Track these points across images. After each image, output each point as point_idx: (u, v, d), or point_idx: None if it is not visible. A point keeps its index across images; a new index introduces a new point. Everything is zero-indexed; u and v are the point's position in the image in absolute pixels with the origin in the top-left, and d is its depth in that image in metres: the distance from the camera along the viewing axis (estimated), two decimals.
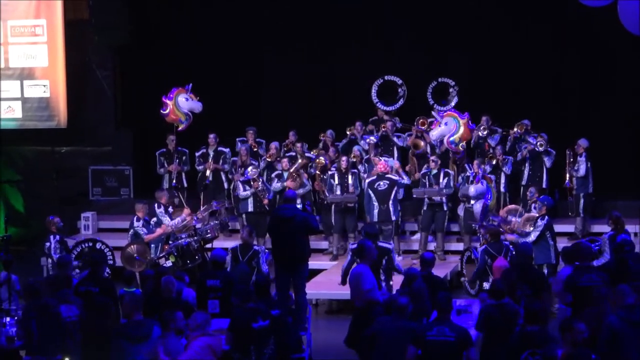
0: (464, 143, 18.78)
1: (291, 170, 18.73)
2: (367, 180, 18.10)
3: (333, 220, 18.68)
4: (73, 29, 21.74)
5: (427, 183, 18.50)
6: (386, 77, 20.36)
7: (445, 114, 18.61)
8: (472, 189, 17.89)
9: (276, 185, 18.68)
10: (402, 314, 11.00)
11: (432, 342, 10.37)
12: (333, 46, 21.81)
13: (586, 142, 18.86)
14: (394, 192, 17.83)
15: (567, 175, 19.04)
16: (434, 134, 18.72)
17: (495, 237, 15.85)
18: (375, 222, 17.17)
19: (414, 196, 18.58)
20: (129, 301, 11.39)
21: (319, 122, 20.62)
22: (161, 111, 19.51)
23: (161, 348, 10.75)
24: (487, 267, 15.40)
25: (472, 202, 17.99)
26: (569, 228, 18.98)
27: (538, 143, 18.91)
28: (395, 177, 17.99)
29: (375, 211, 17.82)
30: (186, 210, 17.56)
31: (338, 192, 18.47)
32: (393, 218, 17.86)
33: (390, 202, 17.80)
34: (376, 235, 14.32)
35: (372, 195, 17.83)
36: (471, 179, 18.20)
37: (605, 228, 16.60)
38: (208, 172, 19.67)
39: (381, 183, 17.85)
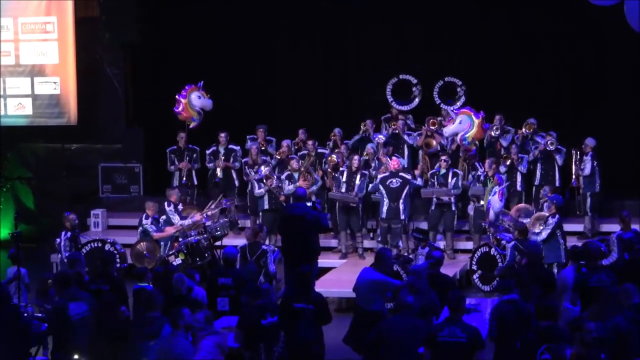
0: (477, 142, 18.79)
1: (302, 169, 18.71)
2: (379, 176, 18.06)
3: (338, 218, 18.70)
4: (83, 26, 21.76)
5: (436, 183, 18.47)
6: (401, 76, 20.35)
7: (460, 111, 18.54)
8: (498, 206, 17.68)
9: (289, 187, 18.55)
10: (410, 312, 11.01)
11: (444, 344, 10.36)
12: (344, 44, 21.84)
13: (593, 142, 18.81)
14: (405, 191, 17.83)
15: (574, 175, 19.02)
16: (448, 130, 18.68)
17: (524, 234, 15.80)
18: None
19: (423, 196, 18.58)
20: (147, 297, 11.47)
21: (331, 120, 20.65)
22: (174, 109, 19.55)
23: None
24: (516, 263, 15.33)
25: (482, 202, 17.95)
26: (579, 227, 18.94)
27: (548, 142, 18.85)
28: (409, 177, 17.97)
29: (385, 208, 17.80)
30: (198, 215, 17.57)
31: (343, 190, 18.47)
32: (402, 217, 17.84)
33: (401, 200, 17.78)
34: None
35: (384, 191, 17.82)
36: (482, 178, 18.17)
37: (614, 227, 16.61)
38: (218, 170, 19.70)
39: (394, 180, 17.82)
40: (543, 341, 10.16)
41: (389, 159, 18.44)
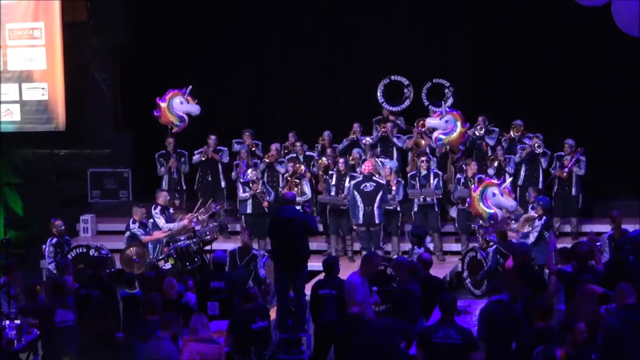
0: (458, 147, 18.78)
1: (289, 179, 18.65)
2: (352, 182, 17.95)
3: (328, 221, 18.66)
4: (71, 31, 21.71)
5: (418, 184, 18.42)
6: (392, 77, 20.35)
7: (451, 112, 18.51)
8: (514, 203, 17.48)
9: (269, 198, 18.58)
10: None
11: (438, 345, 10.35)
12: (335, 46, 21.85)
13: (572, 142, 18.86)
14: (379, 195, 17.67)
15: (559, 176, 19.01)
16: (431, 122, 18.67)
17: (504, 237, 15.81)
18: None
19: (409, 197, 18.55)
20: (149, 300, 11.50)
21: (322, 123, 20.61)
22: (154, 113, 19.53)
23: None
24: (500, 266, 15.31)
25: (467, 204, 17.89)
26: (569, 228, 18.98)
27: (536, 145, 18.87)
28: (382, 181, 17.84)
29: (361, 213, 17.64)
30: (189, 216, 17.51)
31: (332, 193, 18.44)
32: (377, 222, 17.73)
33: (376, 205, 17.62)
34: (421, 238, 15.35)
35: (358, 196, 17.67)
36: (463, 181, 18.18)
37: (603, 228, 16.65)
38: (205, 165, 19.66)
39: (367, 184, 17.66)
40: (538, 343, 10.18)
41: (378, 160, 18.43)
